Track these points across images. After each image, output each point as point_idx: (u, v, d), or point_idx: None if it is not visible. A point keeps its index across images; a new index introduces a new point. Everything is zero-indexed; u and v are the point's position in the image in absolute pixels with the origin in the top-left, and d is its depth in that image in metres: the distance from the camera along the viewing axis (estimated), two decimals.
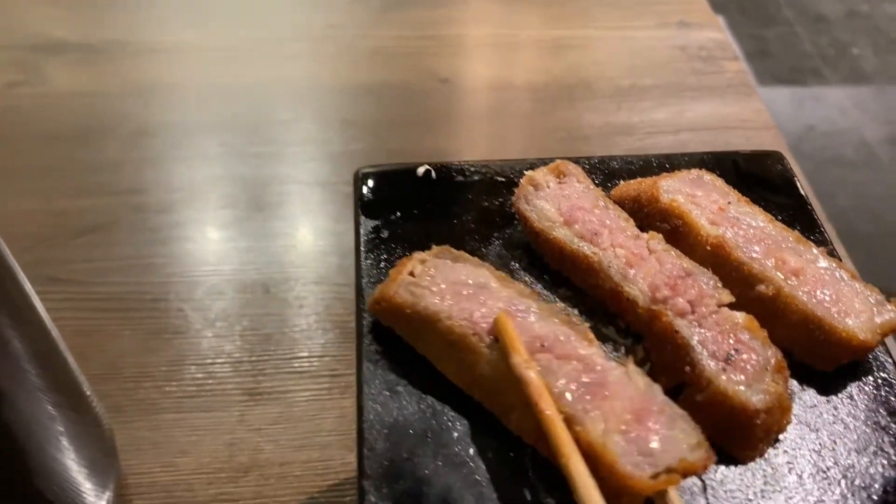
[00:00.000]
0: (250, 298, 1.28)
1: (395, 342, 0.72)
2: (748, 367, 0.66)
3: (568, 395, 0.62)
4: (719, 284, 0.71)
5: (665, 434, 0.61)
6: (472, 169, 0.87)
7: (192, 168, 1.46)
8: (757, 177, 0.88)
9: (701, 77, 1.70)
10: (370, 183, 0.84)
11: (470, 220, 0.82)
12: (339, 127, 1.58)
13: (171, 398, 1.15)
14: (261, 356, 1.20)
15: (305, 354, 1.20)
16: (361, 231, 0.80)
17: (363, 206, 0.82)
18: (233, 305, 1.26)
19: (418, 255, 0.72)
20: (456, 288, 0.69)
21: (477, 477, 0.64)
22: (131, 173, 1.44)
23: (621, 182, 0.85)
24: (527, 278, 0.78)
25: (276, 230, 1.38)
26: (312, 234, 1.37)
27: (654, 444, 0.61)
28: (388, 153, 1.49)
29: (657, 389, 0.64)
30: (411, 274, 0.71)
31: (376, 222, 0.81)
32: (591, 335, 0.68)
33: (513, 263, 0.79)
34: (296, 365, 1.19)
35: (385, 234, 0.80)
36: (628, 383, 0.64)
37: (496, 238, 0.81)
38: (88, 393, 1.03)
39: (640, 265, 0.73)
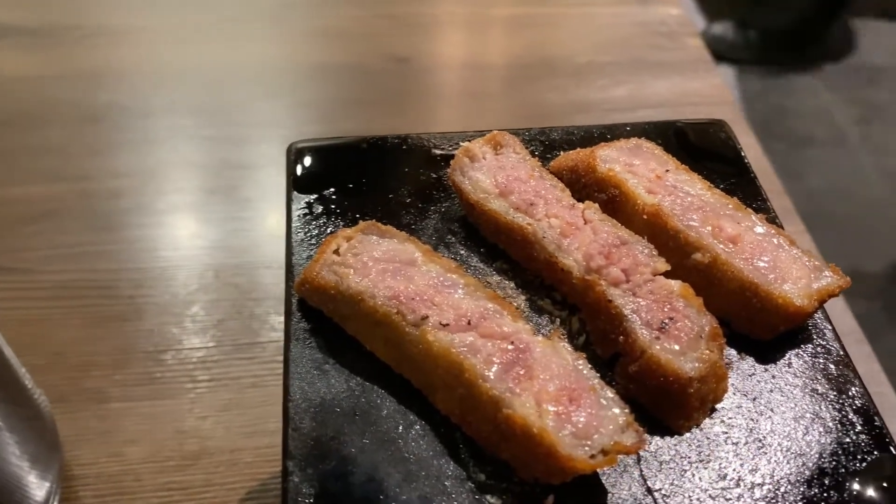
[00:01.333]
0: (201, 284, 1.25)
1: (325, 321, 0.70)
2: (682, 335, 0.64)
3: (494, 376, 0.61)
4: (655, 253, 0.70)
5: (596, 414, 0.60)
6: (411, 142, 0.85)
7: (141, 153, 1.43)
8: (700, 146, 0.86)
9: (661, 53, 1.68)
10: (304, 158, 0.82)
11: (406, 193, 0.80)
12: (292, 109, 1.55)
13: (119, 387, 1.12)
14: (211, 343, 1.17)
15: (256, 340, 1.18)
16: (294, 207, 0.77)
17: (296, 182, 0.79)
18: (183, 292, 1.23)
19: (343, 232, 0.70)
20: (381, 265, 0.67)
21: (405, 454, 0.62)
22: (78, 159, 1.40)
23: (561, 153, 0.83)
24: (462, 252, 0.76)
25: (227, 214, 1.35)
26: (264, 218, 1.34)
27: (587, 426, 0.59)
28: (343, 134, 1.46)
29: (585, 365, 0.62)
30: (336, 252, 0.69)
31: (310, 198, 0.79)
32: (517, 310, 0.66)
33: (449, 237, 0.77)
34: (246, 351, 1.17)
35: (319, 209, 0.78)
36: (555, 359, 0.62)
37: (433, 211, 0.79)
38: (30, 385, 1.00)
39: (575, 235, 0.71)
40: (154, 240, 1.31)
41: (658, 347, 0.63)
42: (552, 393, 0.60)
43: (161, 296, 1.24)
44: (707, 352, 0.63)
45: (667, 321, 0.65)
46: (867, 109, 3.65)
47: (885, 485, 0.63)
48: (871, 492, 0.62)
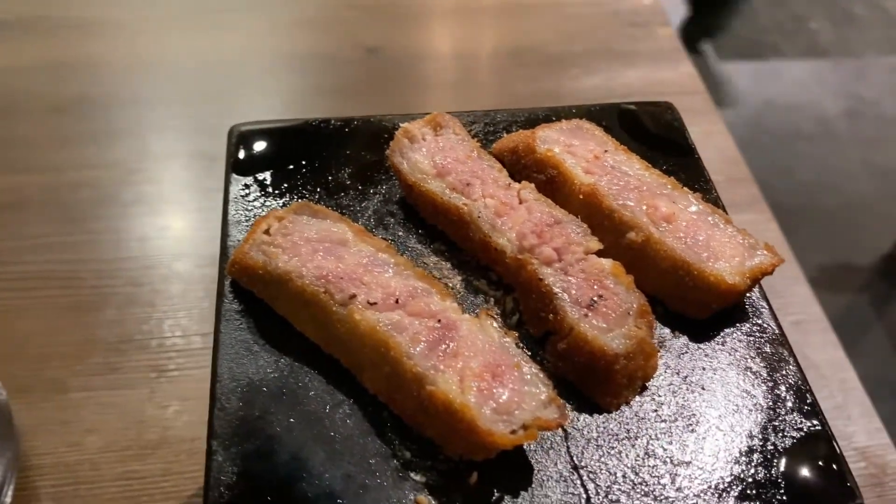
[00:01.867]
0: (164, 275, 1.25)
1: (257, 302, 0.70)
2: (610, 312, 0.64)
3: (419, 353, 0.60)
4: (588, 232, 0.69)
5: (519, 390, 0.60)
6: (355, 124, 0.85)
7: (108, 144, 1.42)
8: (645, 128, 0.86)
9: (633, 43, 1.68)
10: (245, 140, 0.81)
11: (347, 175, 0.80)
12: (262, 99, 1.54)
13: (80, 377, 1.12)
14: (172, 333, 1.17)
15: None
16: (231, 189, 0.77)
17: (236, 164, 0.79)
18: (147, 283, 1.23)
19: (275, 212, 0.70)
20: (311, 245, 0.67)
21: (331, 433, 0.62)
22: (44, 150, 1.40)
23: (504, 135, 0.83)
24: (400, 233, 0.76)
25: (195, 206, 1.35)
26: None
27: (509, 402, 0.59)
28: None
29: (510, 343, 0.62)
30: (267, 232, 0.68)
31: (247, 180, 0.78)
32: (446, 289, 0.66)
33: (387, 218, 0.77)
34: (209, 341, 1.16)
35: (257, 191, 0.78)
36: (481, 337, 0.62)
37: (374, 193, 0.79)
38: None
39: (510, 215, 0.71)
40: (119, 231, 1.31)
41: (585, 325, 0.63)
42: (476, 370, 0.60)
43: (125, 286, 1.23)
44: (635, 329, 0.63)
45: (596, 299, 0.65)
46: (855, 103, 3.65)
47: (818, 463, 0.63)
48: (801, 470, 0.62)
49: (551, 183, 0.74)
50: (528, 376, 0.60)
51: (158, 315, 1.19)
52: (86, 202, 1.34)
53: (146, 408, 1.10)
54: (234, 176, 0.78)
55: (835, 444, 0.63)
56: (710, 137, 1.49)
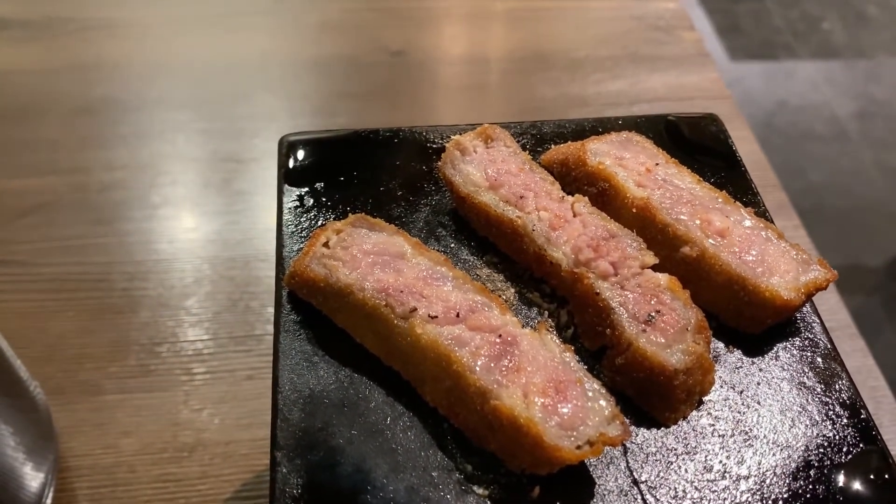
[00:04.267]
0: (195, 277, 1.25)
1: (315, 313, 0.70)
2: (668, 327, 0.64)
3: (481, 368, 0.61)
4: (643, 246, 0.70)
5: (582, 406, 0.60)
6: (402, 135, 0.85)
7: (135, 146, 1.43)
8: (691, 140, 0.86)
9: (657, 47, 1.68)
10: (296, 151, 0.82)
11: (397, 186, 0.80)
12: (286, 102, 1.55)
13: (114, 379, 1.13)
14: (206, 335, 1.18)
15: (251, 333, 1.18)
16: (284, 200, 0.78)
17: (287, 175, 0.79)
18: (178, 284, 1.24)
19: (333, 224, 0.70)
20: (370, 258, 0.67)
21: (393, 445, 0.63)
22: (72, 152, 1.40)
23: (552, 147, 0.83)
24: (452, 244, 0.76)
25: (222, 208, 1.35)
26: (258, 211, 1.34)
27: (573, 417, 0.59)
28: (336, 127, 1.46)
29: (571, 357, 0.63)
30: (325, 245, 0.69)
31: (301, 191, 0.79)
32: (505, 303, 0.67)
33: (439, 230, 0.77)
34: (241, 344, 1.17)
35: (310, 202, 0.78)
36: (542, 351, 0.63)
37: (424, 205, 0.80)
38: (25, 377, 1.01)
39: (564, 228, 0.71)
40: (148, 233, 1.31)
41: (644, 340, 0.64)
42: (539, 385, 0.61)
43: (155, 288, 1.24)
44: (693, 344, 0.64)
45: (653, 314, 0.65)
46: (867, 104, 3.65)
47: (871, 477, 0.63)
48: (856, 484, 0.63)
49: (603, 196, 0.75)
50: (591, 392, 0.60)
51: (190, 318, 1.20)
52: (115, 204, 1.35)
53: (180, 410, 1.10)
54: (287, 186, 0.78)
55: (890, 459, 0.64)
56: (737, 143, 1.49)
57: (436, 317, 0.64)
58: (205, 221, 1.34)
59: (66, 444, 1.06)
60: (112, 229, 1.32)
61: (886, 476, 0.63)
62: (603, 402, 0.60)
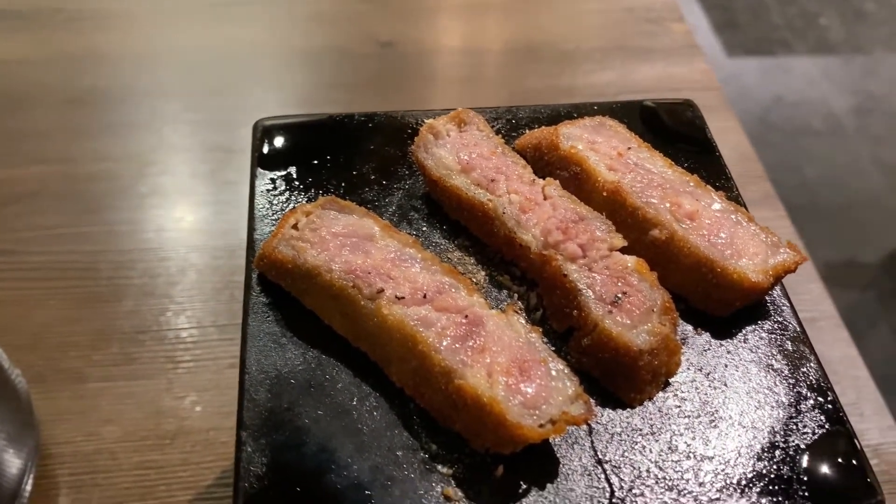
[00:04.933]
0: (181, 266, 1.26)
1: (284, 295, 0.70)
2: (634, 309, 0.64)
3: (446, 348, 0.61)
4: (612, 229, 0.70)
5: (546, 385, 0.60)
6: (377, 119, 0.85)
7: (124, 136, 1.43)
8: (667, 125, 0.86)
9: (647, 39, 1.68)
10: (270, 135, 0.82)
11: (370, 170, 0.81)
12: (275, 93, 1.55)
13: (97, 367, 1.13)
14: (190, 324, 1.18)
15: (235, 322, 1.18)
16: (257, 184, 0.78)
17: (260, 159, 0.80)
18: (164, 273, 1.24)
19: (302, 207, 0.71)
20: (339, 240, 0.68)
21: (358, 425, 0.63)
22: (60, 142, 1.41)
23: (527, 131, 0.83)
24: (424, 228, 0.76)
25: (209, 198, 1.35)
26: (246, 202, 1.34)
27: (537, 397, 0.60)
28: None
29: (537, 338, 0.63)
30: (294, 227, 0.69)
31: (274, 174, 0.79)
32: (473, 285, 0.67)
33: (411, 213, 0.78)
34: (226, 332, 1.17)
35: (282, 186, 0.78)
36: (508, 332, 0.63)
37: (397, 188, 0.80)
38: (6, 365, 1.01)
39: (534, 211, 0.71)
40: (135, 222, 1.32)
41: (610, 321, 0.64)
42: (503, 364, 0.61)
43: (141, 277, 1.24)
44: (659, 325, 0.64)
45: (620, 295, 0.65)
46: (864, 100, 3.64)
47: (837, 459, 0.63)
48: (822, 466, 0.63)
49: (575, 180, 0.75)
50: (555, 372, 0.61)
51: (174, 307, 1.20)
52: (102, 193, 1.35)
53: (163, 398, 1.11)
54: (260, 170, 0.78)
55: (856, 441, 0.64)
56: (724, 134, 1.49)
57: (403, 298, 0.64)
58: (192, 211, 1.34)
59: (48, 431, 1.06)
60: (99, 218, 1.32)
61: (852, 459, 0.63)
62: (567, 382, 0.60)
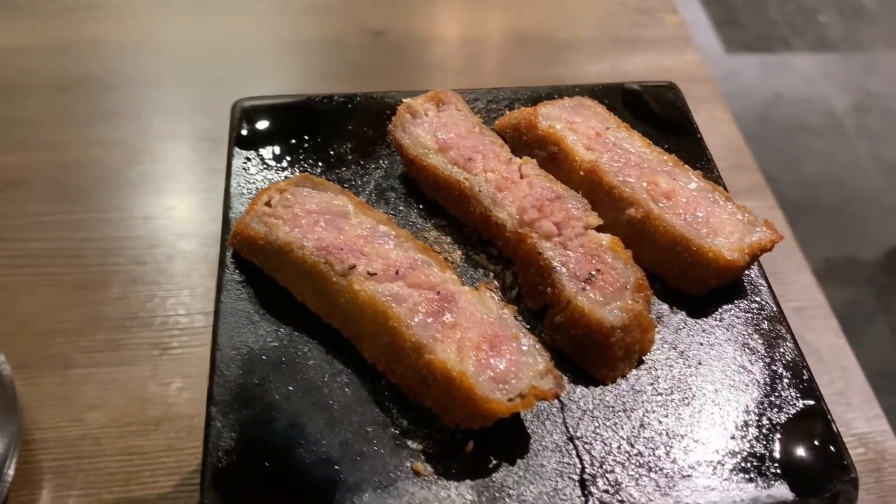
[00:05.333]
0: (168, 254, 1.25)
1: (258, 273, 0.70)
2: (608, 286, 0.64)
3: (417, 323, 0.61)
4: (588, 207, 0.69)
5: (516, 360, 0.60)
6: (357, 100, 0.85)
7: (114, 124, 1.43)
8: (648, 107, 0.86)
9: (639, 30, 1.68)
10: (249, 115, 0.82)
11: (349, 150, 0.80)
12: (265, 83, 1.55)
13: (83, 353, 1.13)
14: (175, 311, 1.18)
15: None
16: (234, 163, 0.78)
17: (238, 138, 0.79)
18: (151, 261, 1.24)
19: (276, 184, 0.70)
20: (312, 217, 0.67)
21: (329, 401, 0.62)
22: (50, 129, 1.41)
23: (507, 112, 0.83)
24: (402, 207, 0.76)
25: (198, 186, 1.35)
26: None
27: (507, 371, 0.59)
28: None
29: (508, 314, 0.63)
30: (268, 204, 0.69)
31: (251, 154, 0.79)
32: (444, 261, 0.66)
33: (389, 193, 0.77)
34: (211, 319, 1.17)
35: (259, 165, 0.78)
36: (480, 308, 0.62)
37: (375, 168, 0.79)
38: None
39: (511, 189, 0.71)
40: (124, 210, 1.32)
41: (583, 298, 0.64)
42: (474, 340, 0.61)
43: (129, 265, 1.24)
44: (632, 303, 0.63)
45: (594, 273, 0.65)
46: (863, 97, 3.63)
47: (811, 439, 0.63)
48: (795, 445, 0.62)
49: (553, 159, 0.75)
50: (526, 347, 0.60)
51: (162, 293, 1.20)
52: (91, 181, 1.35)
53: (149, 384, 1.10)
54: (237, 150, 0.78)
55: (830, 419, 0.64)
56: (714, 125, 1.49)
57: (375, 274, 0.64)
58: (182, 199, 1.34)
59: (33, 416, 1.06)
60: (88, 206, 1.32)
61: (827, 437, 0.63)
62: (538, 358, 0.60)
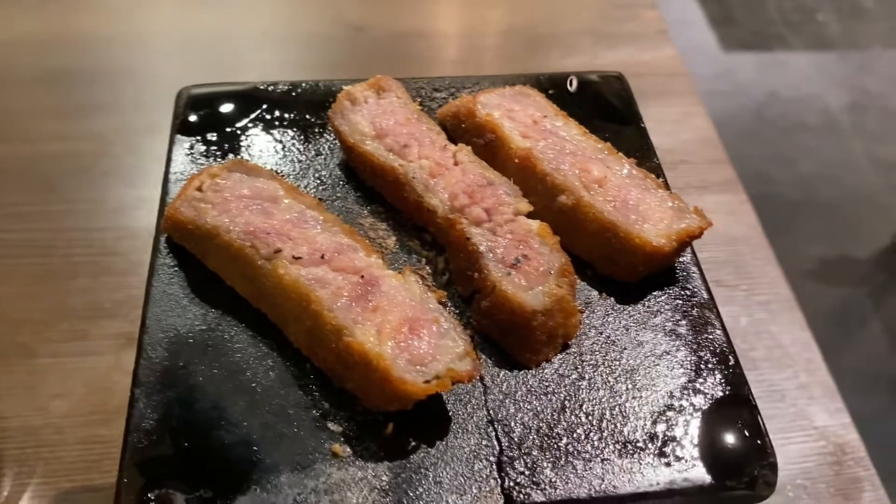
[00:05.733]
0: (138, 246, 1.26)
1: (190, 258, 0.71)
2: (532, 271, 0.64)
3: (339, 307, 0.61)
4: (519, 194, 0.70)
5: (435, 343, 0.60)
6: (302, 88, 0.85)
7: (90, 117, 1.43)
8: (593, 96, 0.86)
9: (618, 25, 1.67)
10: (193, 102, 0.82)
11: (290, 137, 0.81)
12: (242, 74, 1.54)
13: (49, 343, 1.13)
14: (142, 302, 1.18)
15: None
16: (175, 149, 0.78)
17: (182, 125, 0.80)
18: (120, 252, 1.24)
19: (209, 169, 0.71)
20: (242, 202, 0.68)
21: (252, 384, 0.63)
22: (26, 121, 1.41)
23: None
24: (339, 194, 0.76)
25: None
26: None
27: (425, 354, 0.60)
28: None
29: (431, 299, 0.63)
30: (199, 189, 0.69)
31: (193, 140, 0.79)
32: (371, 246, 0.67)
33: (328, 180, 0.78)
34: None
35: (201, 150, 0.79)
36: (404, 293, 0.63)
37: (316, 155, 0.80)
38: None
39: (444, 176, 0.71)
40: (95, 201, 1.32)
41: (507, 282, 0.64)
42: (395, 323, 0.61)
43: (98, 256, 1.24)
44: (555, 287, 0.64)
45: (520, 258, 0.65)
46: (859, 96, 3.62)
47: (734, 424, 0.63)
48: (717, 430, 0.62)
49: (489, 147, 0.75)
50: (445, 330, 0.61)
51: (130, 285, 1.20)
52: (64, 172, 1.35)
53: (112, 374, 1.11)
54: (179, 136, 0.78)
55: (753, 405, 0.64)
56: (689, 119, 1.49)
57: (300, 258, 0.64)
58: (154, 191, 1.34)
59: None
60: (60, 197, 1.32)
61: (749, 422, 0.63)
62: (457, 340, 0.60)
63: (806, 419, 1.12)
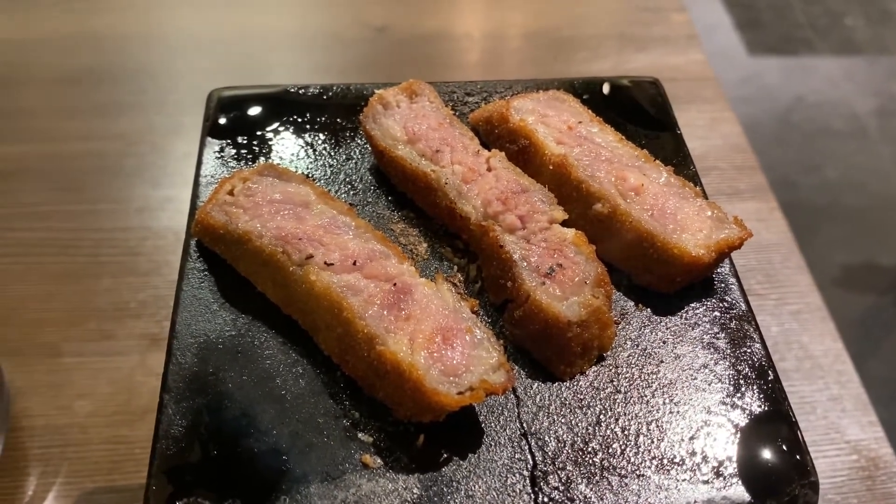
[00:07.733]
0: (161, 246, 1.26)
1: (221, 263, 0.70)
2: (567, 281, 0.63)
3: (372, 314, 0.60)
4: (554, 201, 0.68)
5: (468, 354, 0.59)
6: (333, 91, 0.84)
7: (112, 116, 1.43)
8: (628, 102, 0.84)
9: (645, 28, 1.65)
10: (224, 105, 0.81)
11: (320, 140, 0.80)
12: (264, 77, 1.55)
13: (73, 342, 1.13)
14: (167, 303, 1.18)
15: None
16: (205, 152, 0.77)
17: (213, 128, 0.79)
18: (143, 253, 1.24)
19: (240, 173, 0.70)
20: (273, 206, 0.67)
21: (282, 392, 0.62)
22: (49, 121, 1.42)
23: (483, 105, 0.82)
24: (370, 199, 0.75)
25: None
26: None
27: (458, 364, 0.58)
28: None
29: (464, 308, 0.62)
30: (231, 193, 0.68)
31: (223, 143, 0.78)
32: (404, 253, 0.66)
33: (358, 184, 0.77)
34: None
35: (231, 153, 0.78)
36: (436, 301, 0.62)
37: (347, 159, 0.79)
38: None
39: (477, 182, 0.70)
40: (119, 201, 1.32)
41: (541, 292, 0.62)
42: (427, 333, 0.60)
43: (121, 256, 1.24)
44: (591, 298, 0.62)
45: (554, 267, 0.64)
46: (887, 101, 3.57)
47: (774, 441, 0.61)
48: (758, 446, 0.61)
49: (523, 153, 0.74)
50: (479, 341, 0.59)
51: (155, 285, 1.20)
52: (88, 172, 1.36)
53: (136, 375, 1.11)
54: (210, 139, 0.78)
55: (794, 421, 0.62)
56: (717, 125, 1.47)
57: (332, 264, 0.63)
58: (178, 191, 1.35)
59: (22, 404, 1.06)
60: (83, 197, 1.32)
61: (789, 439, 0.61)
62: (490, 351, 0.59)
63: (838, 432, 1.10)
